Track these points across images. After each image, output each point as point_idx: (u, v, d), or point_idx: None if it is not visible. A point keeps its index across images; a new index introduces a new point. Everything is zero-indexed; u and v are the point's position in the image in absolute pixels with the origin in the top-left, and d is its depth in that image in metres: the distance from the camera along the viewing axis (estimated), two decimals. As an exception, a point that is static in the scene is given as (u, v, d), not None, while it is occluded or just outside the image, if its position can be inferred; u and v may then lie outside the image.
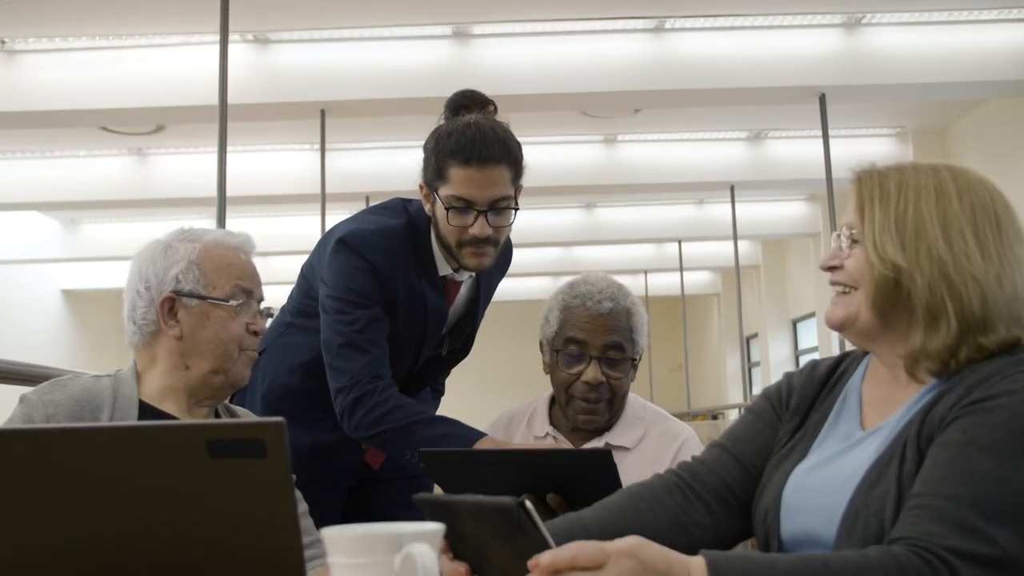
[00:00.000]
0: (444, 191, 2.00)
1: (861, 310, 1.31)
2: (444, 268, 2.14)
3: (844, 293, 1.34)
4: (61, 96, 6.48)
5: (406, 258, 2.10)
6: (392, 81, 6.45)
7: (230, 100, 4.88)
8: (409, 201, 2.19)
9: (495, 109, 2.08)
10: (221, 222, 4.66)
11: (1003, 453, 1.12)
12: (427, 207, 2.09)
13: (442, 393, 2.55)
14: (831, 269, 1.37)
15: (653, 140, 8.81)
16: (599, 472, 1.60)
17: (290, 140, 8.45)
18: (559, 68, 6.48)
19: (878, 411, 1.34)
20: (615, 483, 1.60)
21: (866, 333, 1.33)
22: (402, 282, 2.09)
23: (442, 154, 1.99)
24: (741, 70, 6.50)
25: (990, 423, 1.15)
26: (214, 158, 4.81)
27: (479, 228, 2.00)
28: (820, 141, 6.63)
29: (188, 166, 8.67)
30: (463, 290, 2.22)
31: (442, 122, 2.06)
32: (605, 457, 1.60)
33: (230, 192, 5.01)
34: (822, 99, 6.58)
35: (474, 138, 1.96)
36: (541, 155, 8.75)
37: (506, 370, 12.96)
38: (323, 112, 6.65)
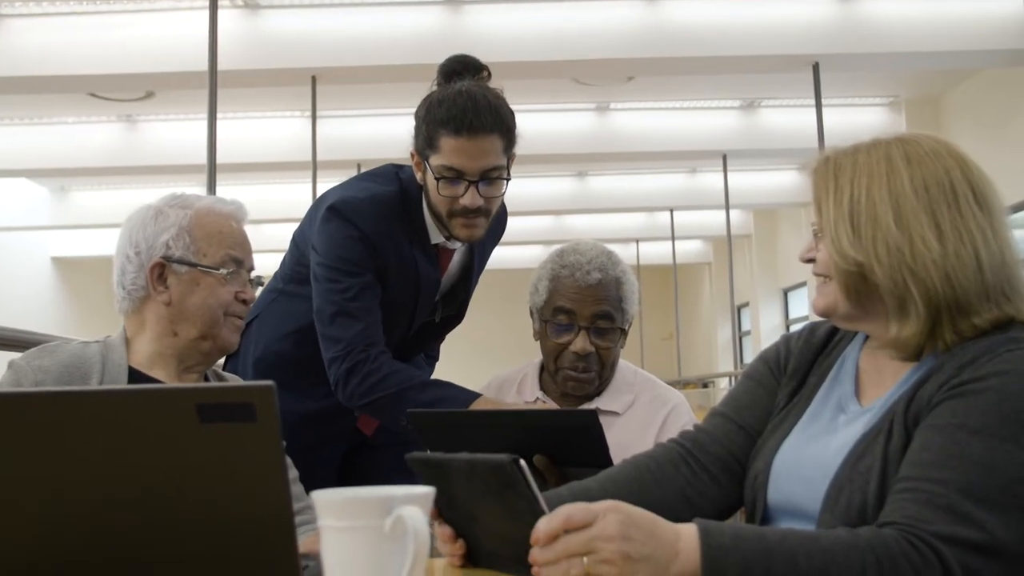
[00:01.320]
0: (435, 160, 1.97)
1: (838, 299, 1.31)
2: (436, 236, 2.12)
3: (824, 283, 1.34)
4: (50, 62, 6.42)
5: (397, 225, 2.09)
6: (384, 48, 6.40)
7: (220, 66, 4.85)
8: (401, 167, 2.16)
9: (489, 75, 2.05)
10: (211, 189, 4.64)
11: (993, 437, 1.12)
12: (418, 175, 2.07)
13: (436, 359, 2.56)
14: (809, 261, 1.37)
15: (646, 108, 8.78)
16: (585, 433, 1.61)
17: (281, 107, 8.40)
18: (551, 35, 6.44)
19: (873, 382, 1.35)
20: (601, 444, 1.61)
21: (849, 319, 1.33)
22: (393, 249, 2.08)
23: (433, 123, 1.96)
24: (734, 38, 6.47)
25: (980, 405, 1.14)
26: (204, 125, 4.78)
27: (470, 198, 1.98)
28: (813, 110, 6.61)
29: (178, 133, 8.62)
30: (456, 257, 2.21)
31: (434, 88, 2.03)
32: (591, 418, 1.61)
33: (220, 159, 4.99)
34: (815, 68, 6.55)
35: (465, 107, 1.93)
36: (533, 123, 8.71)
37: (497, 337, 12.97)
38: (314, 79, 6.60)
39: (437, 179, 1.97)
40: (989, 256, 1.24)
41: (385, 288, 2.09)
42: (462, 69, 2.03)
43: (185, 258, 1.69)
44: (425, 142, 1.99)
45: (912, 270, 1.23)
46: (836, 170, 1.32)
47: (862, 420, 1.29)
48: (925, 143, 1.31)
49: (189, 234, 1.70)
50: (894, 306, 1.25)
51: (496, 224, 2.24)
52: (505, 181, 2.03)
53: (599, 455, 1.61)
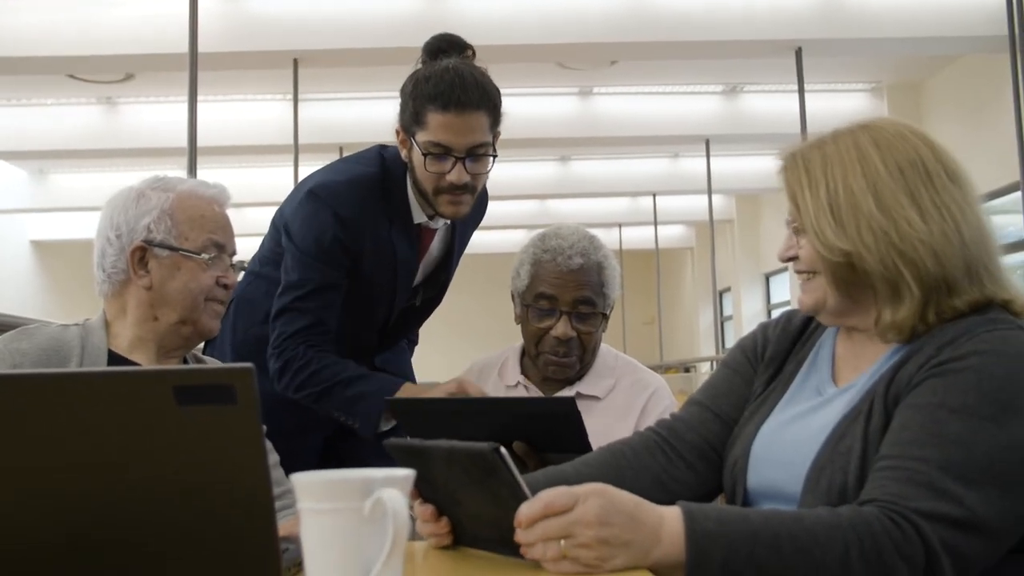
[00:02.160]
0: (421, 136, 1.97)
1: (827, 294, 1.31)
2: (419, 216, 2.12)
3: (808, 279, 1.34)
4: (28, 42, 6.36)
5: (376, 207, 2.08)
6: (366, 30, 6.37)
7: (201, 48, 4.81)
8: (386, 147, 2.16)
9: (473, 54, 2.05)
10: (192, 172, 4.62)
11: (972, 415, 1.13)
12: (403, 153, 2.06)
13: (416, 343, 2.56)
14: (790, 260, 1.37)
15: (629, 93, 8.78)
16: (564, 420, 1.61)
17: (262, 90, 8.35)
18: (535, 18, 6.42)
19: (850, 366, 1.35)
20: (580, 431, 1.61)
21: (838, 313, 1.33)
22: (371, 233, 2.08)
23: (420, 99, 1.95)
24: (718, 23, 6.47)
25: (959, 384, 1.15)
26: (185, 107, 4.74)
27: (456, 175, 1.97)
28: (796, 95, 6.63)
29: (159, 115, 8.56)
30: (437, 238, 2.21)
31: (420, 66, 2.02)
32: (569, 405, 1.61)
33: (201, 142, 4.96)
34: (798, 53, 6.57)
35: (452, 83, 1.92)
36: (516, 107, 8.62)
37: (480, 322, 12.99)
38: (296, 61, 6.56)
39: (424, 155, 1.97)
40: (970, 230, 1.26)
41: (362, 274, 2.10)
42: (447, 47, 2.03)
43: (166, 242, 1.68)
44: (412, 118, 1.98)
45: (901, 251, 1.23)
46: (806, 164, 1.32)
47: (840, 400, 1.30)
48: (888, 127, 1.32)
49: (171, 217, 1.68)
50: (887, 291, 1.25)
51: (478, 207, 2.24)
52: (491, 158, 2.03)
53: (578, 441, 1.61)
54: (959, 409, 1.13)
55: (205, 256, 1.69)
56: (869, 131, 1.31)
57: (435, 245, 2.22)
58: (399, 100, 2.03)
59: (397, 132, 2.05)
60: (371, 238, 2.08)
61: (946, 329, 1.23)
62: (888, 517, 1.08)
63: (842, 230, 1.26)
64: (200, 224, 1.70)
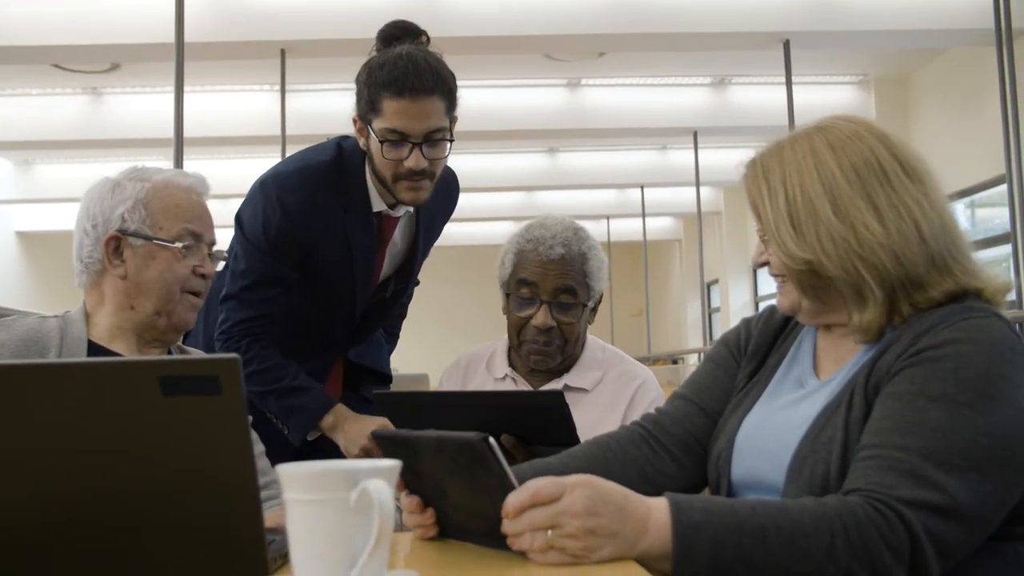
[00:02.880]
0: (378, 124, 1.98)
1: (800, 297, 1.34)
2: (378, 204, 2.13)
3: (783, 283, 1.37)
4: (12, 31, 6.31)
5: (329, 194, 2.09)
6: (354, 21, 6.33)
7: (187, 38, 4.79)
8: (347, 138, 2.17)
9: (427, 39, 2.05)
10: (178, 163, 4.60)
11: (951, 402, 1.14)
12: (361, 141, 2.07)
13: (397, 337, 2.57)
14: (762, 265, 1.39)
15: (617, 84, 8.77)
16: (552, 413, 1.61)
17: (250, 80, 8.31)
18: (523, 10, 6.40)
19: (831, 359, 1.37)
20: (568, 424, 1.62)
21: (814, 313, 1.36)
22: (322, 221, 2.09)
23: (375, 86, 1.96)
24: (706, 15, 6.47)
25: (937, 373, 1.17)
26: (171, 98, 4.72)
27: (414, 160, 1.98)
28: (783, 88, 6.64)
29: (145, 105, 8.51)
30: (401, 227, 2.21)
31: (374, 54, 2.03)
32: (558, 398, 1.61)
33: (188, 133, 4.94)
34: (786, 45, 6.58)
35: (407, 69, 1.93)
36: (504, 98, 8.68)
37: (468, 314, 12.99)
38: (283, 52, 6.54)
39: (382, 142, 1.98)
40: (929, 225, 1.27)
41: (317, 265, 2.12)
42: (401, 34, 2.03)
43: (140, 231, 1.67)
44: (368, 106, 1.99)
45: (861, 256, 1.25)
46: (765, 173, 1.34)
47: (822, 393, 1.32)
48: (844, 127, 1.33)
49: (145, 207, 1.67)
50: (851, 294, 1.27)
51: (447, 195, 2.26)
52: (448, 143, 2.03)
53: (566, 435, 1.62)
54: (938, 397, 1.15)
55: (179, 245, 1.68)
56: (824, 133, 1.33)
57: (399, 235, 2.22)
58: (354, 89, 2.04)
59: (354, 121, 2.06)
60: (323, 227, 2.09)
61: (923, 318, 1.24)
62: (872, 506, 1.09)
63: (802, 239, 1.28)
64: (175, 213, 1.69)
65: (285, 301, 2.12)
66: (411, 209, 2.16)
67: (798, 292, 1.33)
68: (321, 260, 2.11)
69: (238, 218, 2.13)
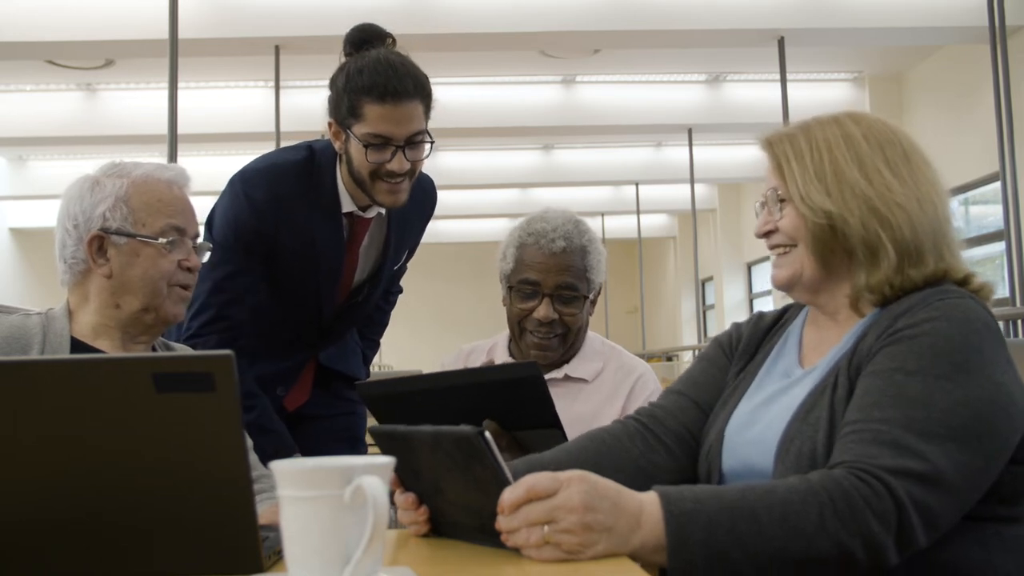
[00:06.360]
0: (359, 129, 1.98)
1: (804, 264, 1.37)
2: (348, 204, 2.13)
3: (784, 253, 1.40)
4: (6, 27, 6.29)
5: (293, 192, 2.10)
6: (348, 18, 6.22)
7: (181, 34, 4.78)
8: (316, 140, 2.18)
9: (393, 42, 2.07)
10: (172, 159, 4.60)
11: (928, 375, 1.19)
12: (337, 145, 2.07)
13: (378, 344, 2.59)
14: (767, 235, 1.42)
15: (612, 82, 8.77)
16: (529, 386, 1.61)
17: (244, 77, 8.29)
18: (518, 7, 6.40)
19: (816, 351, 1.41)
20: (546, 399, 1.62)
21: (812, 286, 1.39)
22: (285, 218, 2.09)
23: (355, 91, 1.97)
24: (701, 12, 6.47)
25: (915, 348, 1.22)
26: (165, 94, 4.71)
27: (397, 163, 2.00)
28: (778, 85, 6.65)
29: (139, 102, 8.48)
30: (374, 229, 2.21)
31: (344, 59, 2.04)
32: (532, 369, 1.61)
33: (182, 129, 4.93)
34: (781, 42, 6.58)
35: (388, 74, 1.95)
36: (499, 95, 8.68)
37: (465, 311, 12.98)
38: (277, 48, 6.53)
39: (365, 146, 1.99)
40: (937, 206, 1.35)
41: (280, 260, 2.12)
42: (370, 38, 2.05)
43: (123, 229, 1.65)
44: (348, 111, 2.00)
45: (881, 215, 1.31)
46: (791, 138, 1.41)
47: (808, 380, 1.36)
48: (868, 117, 1.42)
49: (126, 204, 1.65)
50: (865, 253, 1.32)
51: (423, 199, 2.27)
52: (429, 144, 2.05)
53: (545, 412, 1.62)
54: (916, 371, 1.20)
55: (163, 241, 1.67)
56: (852, 117, 1.41)
57: (371, 238, 2.22)
58: (330, 93, 2.04)
59: (330, 125, 2.06)
60: (288, 223, 2.10)
61: (902, 302, 1.30)
62: (856, 476, 1.12)
63: (827, 195, 1.34)
64: (157, 209, 1.68)
65: (252, 301, 2.12)
66: (383, 211, 2.16)
67: (806, 257, 1.36)
68: (286, 257, 2.12)
69: (208, 219, 2.14)
